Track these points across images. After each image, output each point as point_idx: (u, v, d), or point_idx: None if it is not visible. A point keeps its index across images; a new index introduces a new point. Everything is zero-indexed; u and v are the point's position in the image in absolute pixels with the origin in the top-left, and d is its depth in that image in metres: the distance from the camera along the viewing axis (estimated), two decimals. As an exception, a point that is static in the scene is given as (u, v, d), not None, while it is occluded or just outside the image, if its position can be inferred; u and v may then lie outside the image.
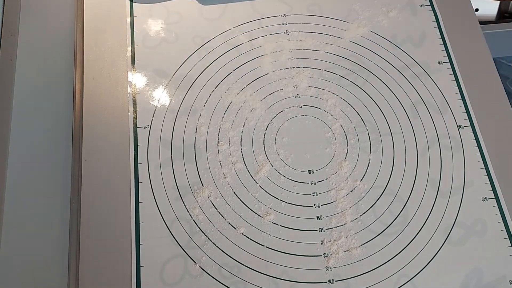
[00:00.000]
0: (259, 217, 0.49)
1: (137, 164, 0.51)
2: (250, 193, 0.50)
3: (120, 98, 0.55)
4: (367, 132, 0.54)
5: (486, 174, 0.52)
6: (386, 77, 0.57)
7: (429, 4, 0.62)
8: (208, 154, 0.52)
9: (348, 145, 0.53)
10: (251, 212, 0.50)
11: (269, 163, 0.52)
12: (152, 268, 0.47)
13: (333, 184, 0.51)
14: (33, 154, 0.52)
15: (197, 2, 0.61)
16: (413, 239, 0.49)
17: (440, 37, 0.60)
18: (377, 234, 0.49)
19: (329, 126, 0.54)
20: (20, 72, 0.56)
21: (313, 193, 0.51)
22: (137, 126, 0.53)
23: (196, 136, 0.53)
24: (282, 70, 0.57)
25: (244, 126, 0.54)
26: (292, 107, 0.55)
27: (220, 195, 0.50)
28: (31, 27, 0.59)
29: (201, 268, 0.47)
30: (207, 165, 0.52)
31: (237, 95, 0.55)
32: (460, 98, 0.56)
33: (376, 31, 0.60)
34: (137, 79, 0.56)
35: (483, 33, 0.60)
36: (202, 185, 0.51)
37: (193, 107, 0.54)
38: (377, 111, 0.55)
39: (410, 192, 0.51)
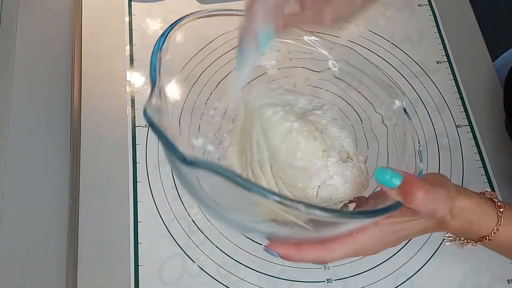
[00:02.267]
0: (257, 216, 0.49)
1: (136, 163, 0.51)
2: (248, 192, 0.50)
3: (119, 97, 0.55)
4: (363, 130, 0.54)
5: (484, 174, 0.52)
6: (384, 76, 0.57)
7: (428, 3, 0.62)
8: (206, 154, 0.52)
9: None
10: (250, 211, 0.50)
11: (267, 163, 0.52)
12: (151, 268, 0.47)
13: (332, 184, 0.51)
14: (31, 153, 0.52)
15: (196, 1, 0.61)
16: (411, 238, 0.49)
17: (439, 37, 0.60)
18: (376, 233, 0.49)
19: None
20: (18, 71, 0.56)
21: (312, 192, 0.51)
22: (136, 125, 0.53)
23: (194, 135, 0.53)
24: (281, 69, 0.57)
25: (243, 126, 0.54)
26: (290, 107, 0.55)
27: (218, 194, 0.50)
28: (29, 26, 0.59)
29: (200, 267, 0.47)
30: (206, 164, 0.51)
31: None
32: (459, 97, 0.56)
33: (374, 30, 0.60)
34: (136, 78, 0.56)
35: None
36: (201, 185, 0.50)
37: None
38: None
39: (409, 191, 0.51)
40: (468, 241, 0.38)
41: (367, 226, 0.33)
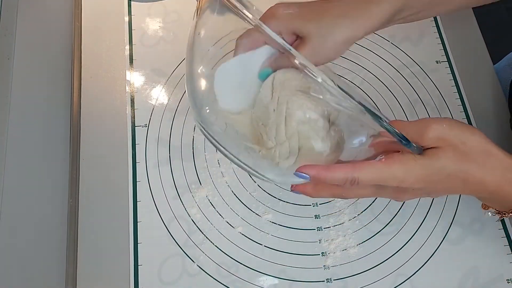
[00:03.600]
0: (257, 216, 0.49)
1: (135, 163, 0.51)
2: (248, 192, 0.50)
3: (118, 97, 0.55)
4: (365, 131, 0.54)
5: (483, 173, 0.52)
6: (384, 76, 0.57)
7: (427, 3, 0.62)
8: (206, 153, 0.52)
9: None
10: (249, 211, 0.50)
11: (267, 162, 0.52)
12: (150, 267, 0.47)
13: (331, 183, 0.51)
14: (30, 153, 0.52)
15: (195, 1, 0.61)
16: (410, 238, 0.49)
17: (439, 37, 0.60)
18: (375, 233, 0.49)
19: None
20: (18, 71, 0.56)
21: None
22: (135, 125, 0.53)
23: (194, 135, 0.53)
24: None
25: (242, 125, 0.54)
26: (290, 106, 0.55)
27: (218, 194, 0.50)
28: (28, 25, 0.59)
29: (199, 267, 0.47)
30: (205, 164, 0.52)
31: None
32: (458, 97, 0.56)
33: (374, 30, 0.60)
34: (135, 78, 0.56)
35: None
36: (200, 184, 0.51)
37: (191, 106, 0.54)
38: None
39: (408, 191, 0.51)
40: (508, 212, 0.36)
41: (395, 155, 0.33)
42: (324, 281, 0.47)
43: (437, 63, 0.58)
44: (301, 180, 0.35)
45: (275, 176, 0.39)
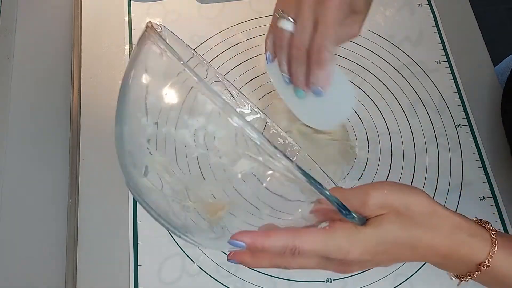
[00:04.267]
0: (257, 216, 0.49)
1: (135, 163, 0.51)
2: (248, 192, 0.50)
3: (118, 97, 0.55)
4: (365, 131, 0.54)
5: (483, 174, 0.52)
6: (384, 76, 0.57)
7: (427, 3, 0.62)
8: (206, 153, 0.52)
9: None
10: (249, 211, 0.49)
11: (267, 162, 0.52)
12: (150, 267, 0.47)
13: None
14: (30, 153, 0.52)
15: (195, 0, 0.61)
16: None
17: (438, 36, 0.60)
18: (375, 233, 0.49)
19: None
20: (17, 71, 0.56)
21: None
22: (135, 125, 0.53)
23: (194, 135, 0.53)
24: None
25: (242, 125, 0.54)
26: (290, 106, 0.55)
27: (218, 194, 0.50)
28: (28, 25, 0.59)
29: (199, 267, 0.47)
30: (205, 164, 0.51)
31: (235, 94, 0.55)
32: (458, 97, 0.56)
33: (374, 30, 0.60)
34: (135, 78, 0.56)
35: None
36: (200, 184, 0.50)
37: (191, 106, 0.54)
38: (375, 110, 0.55)
39: (408, 191, 0.51)
40: (465, 276, 0.33)
41: (337, 223, 0.31)
42: (324, 281, 0.47)
43: (437, 63, 0.58)
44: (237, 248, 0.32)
45: (208, 240, 0.35)
